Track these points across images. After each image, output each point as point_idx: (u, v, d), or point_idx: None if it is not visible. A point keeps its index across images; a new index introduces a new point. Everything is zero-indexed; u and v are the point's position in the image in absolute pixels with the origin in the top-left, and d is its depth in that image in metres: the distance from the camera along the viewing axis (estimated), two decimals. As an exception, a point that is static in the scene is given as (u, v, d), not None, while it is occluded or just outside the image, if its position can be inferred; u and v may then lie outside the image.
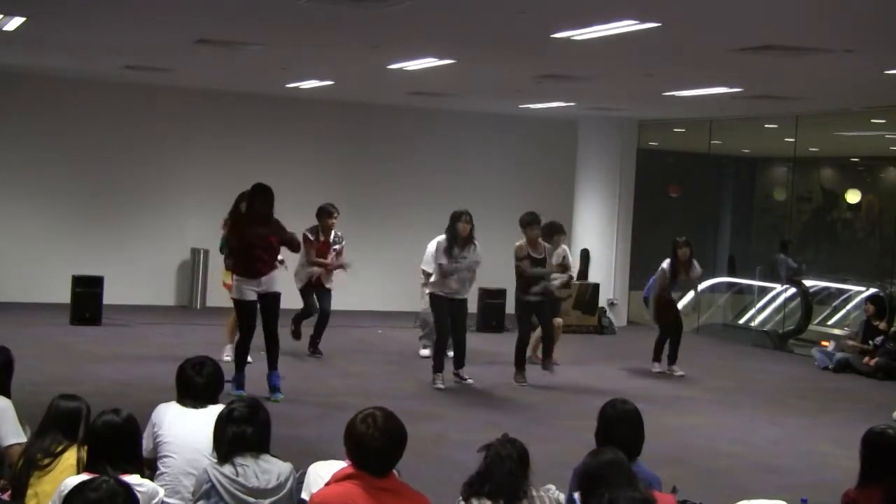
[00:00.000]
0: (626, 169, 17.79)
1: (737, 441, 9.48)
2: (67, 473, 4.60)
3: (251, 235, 9.81)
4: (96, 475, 3.92)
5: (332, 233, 12.30)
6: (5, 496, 4.85)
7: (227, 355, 10.94)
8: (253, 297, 9.90)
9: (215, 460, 4.65)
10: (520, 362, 11.68)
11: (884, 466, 4.86)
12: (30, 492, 4.62)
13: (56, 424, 4.85)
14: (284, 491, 4.60)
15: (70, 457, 4.73)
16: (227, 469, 4.54)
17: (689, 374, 12.77)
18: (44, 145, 16.11)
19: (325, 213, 12.25)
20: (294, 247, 10.28)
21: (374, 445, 4.11)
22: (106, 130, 16.36)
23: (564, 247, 12.47)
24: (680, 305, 13.34)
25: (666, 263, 12.85)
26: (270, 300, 9.98)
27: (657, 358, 12.98)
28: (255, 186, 9.97)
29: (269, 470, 4.59)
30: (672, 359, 12.95)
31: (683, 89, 13.31)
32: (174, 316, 15.40)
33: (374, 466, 4.12)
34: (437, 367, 11.11)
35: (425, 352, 12.76)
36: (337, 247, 12.31)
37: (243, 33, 10.65)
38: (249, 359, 10.15)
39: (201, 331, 13.53)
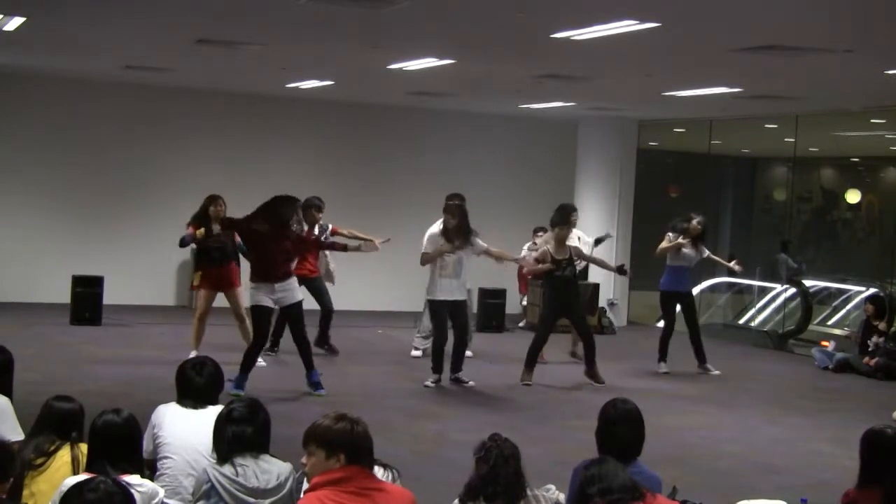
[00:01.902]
0: (626, 169, 17.79)
1: (737, 441, 9.48)
2: (62, 472, 4.60)
3: (267, 240, 9.99)
4: (95, 475, 3.92)
5: (318, 226, 12.29)
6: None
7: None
8: (268, 302, 10.03)
9: (215, 461, 4.65)
10: (530, 361, 11.62)
11: (883, 466, 4.86)
12: (26, 492, 4.62)
13: (50, 425, 4.85)
14: (284, 491, 4.59)
15: (64, 454, 4.73)
16: (227, 469, 4.54)
17: (690, 374, 12.74)
18: (44, 145, 16.11)
19: (313, 207, 12.21)
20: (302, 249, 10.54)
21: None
22: (106, 130, 16.36)
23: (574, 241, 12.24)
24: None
25: (673, 235, 12.75)
26: (291, 312, 10.18)
27: (663, 357, 12.83)
28: (280, 196, 10.21)
29: (269, 470, 4.59)
30: (700, 357, 12.78)
31: (683, 89, 13.31)
32: (174, 316, 15.38)
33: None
34: (436, 369, 11.13)
35: (417, 353, 12.74)
36: (324, 236, 12.20)
37: (243, 33, 10.65)
38: (262, 362, 10.20)
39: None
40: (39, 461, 4.69)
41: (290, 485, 4.62)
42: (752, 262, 19.54)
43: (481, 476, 4.36)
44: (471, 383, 11.18)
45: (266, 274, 9.98)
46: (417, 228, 11.53)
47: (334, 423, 4.15)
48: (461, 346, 11.33)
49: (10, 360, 5.83)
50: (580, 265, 12.39)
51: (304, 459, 4.21)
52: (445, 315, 11.09)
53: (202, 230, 11.10)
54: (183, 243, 11.61)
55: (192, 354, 10.65)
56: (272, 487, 4.56)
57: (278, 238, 10.01)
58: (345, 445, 4.11)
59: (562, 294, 11.53)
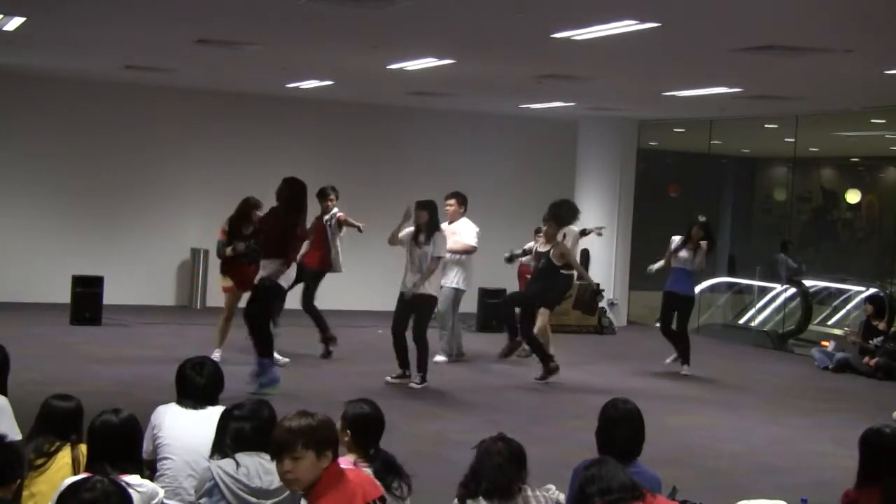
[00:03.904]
0: (626, 169, 17.79)
1: (737, 441, 9.48)
2: (63, 472, 4.60)
3: None
4: (92, 475, 3.92)
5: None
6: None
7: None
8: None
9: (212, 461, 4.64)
10: (542, 356, 11.66)
11: (882, 466, 4.86)
12: (26, 493, 4.61)
13: (49, 424, 4.85)
14: (287, 492, 4.59)
15: (65, 455, 4.73)
16: (230, 466, 4.52)
17: (690, 375, 12.72)
18: (44, 145, 16.11)
19: (323, 195, 12.24)
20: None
21: None
22: (106, 130, 16.36)
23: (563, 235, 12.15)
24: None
25: (677, 238, 12.74)
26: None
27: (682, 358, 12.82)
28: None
29: (272, 470, 4.56)
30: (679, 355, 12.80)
31: (683, 89, 13.31)
32: (174, 316, 15.39)
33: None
34: (400, 364, 11.24)
35: (441, 357, 12.56)
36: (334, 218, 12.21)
37: (243, 33, 10.65)
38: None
39: (201, 331, 13.51)
40: (40, 462, 4.68)
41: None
42: (752, 262, 19.58)
43: (471, 470, 4.47)
44: (414, 385, 11.03)
45: None
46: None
47: (312, 421, 4.00)
48: (417, 345, 11.14)
49: (6, 358, 5.81)
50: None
51: (287, 466, 3.91)
52: (400, 306, 11.13)
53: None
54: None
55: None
56: (275, 488, 4.54)
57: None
58: (332, 441, 4.01)
59: (536, 280, 11.82)
